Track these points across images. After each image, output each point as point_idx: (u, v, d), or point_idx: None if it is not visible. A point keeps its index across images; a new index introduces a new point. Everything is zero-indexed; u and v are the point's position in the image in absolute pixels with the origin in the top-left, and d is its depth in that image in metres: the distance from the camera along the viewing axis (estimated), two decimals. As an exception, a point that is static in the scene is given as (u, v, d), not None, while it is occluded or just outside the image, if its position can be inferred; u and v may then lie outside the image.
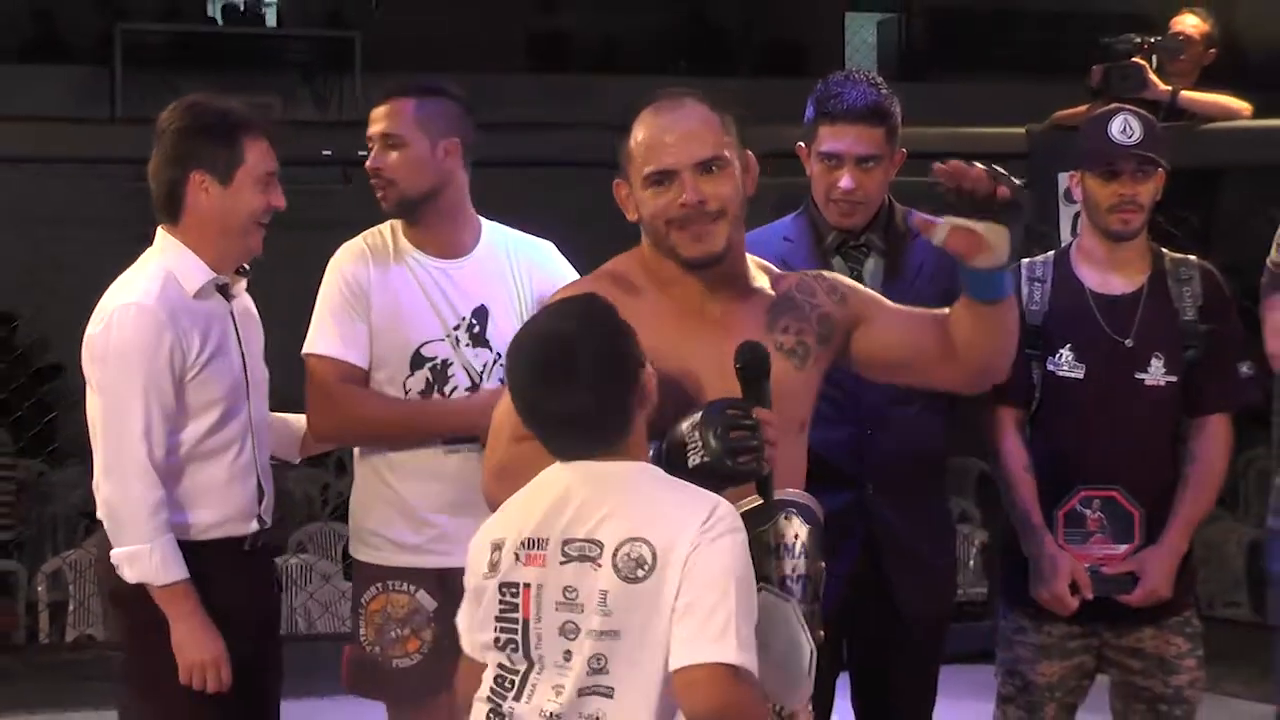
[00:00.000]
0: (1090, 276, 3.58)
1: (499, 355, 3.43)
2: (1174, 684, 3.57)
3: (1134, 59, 5.93)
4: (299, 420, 3.60)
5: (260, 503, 3.38)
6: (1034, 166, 5.97)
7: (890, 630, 3.50)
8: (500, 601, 2.45)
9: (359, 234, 3.59)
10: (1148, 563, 3.50)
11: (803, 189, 3.56)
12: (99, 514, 3.31)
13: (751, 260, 2.82)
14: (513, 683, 2.44)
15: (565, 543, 2.41)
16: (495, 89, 12.09)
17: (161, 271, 3.29)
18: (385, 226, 3.56)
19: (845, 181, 3.42)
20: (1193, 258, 3.66)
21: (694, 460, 2.49)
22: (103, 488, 3.26)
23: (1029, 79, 12.40)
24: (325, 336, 3.49)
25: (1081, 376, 3.53)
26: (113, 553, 3.23)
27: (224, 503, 3.32)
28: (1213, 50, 6.23)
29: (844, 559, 3.27)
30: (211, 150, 3.30)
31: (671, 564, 2.36)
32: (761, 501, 2.58)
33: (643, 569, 2.37)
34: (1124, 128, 3.50)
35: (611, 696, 2.38)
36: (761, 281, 2.81)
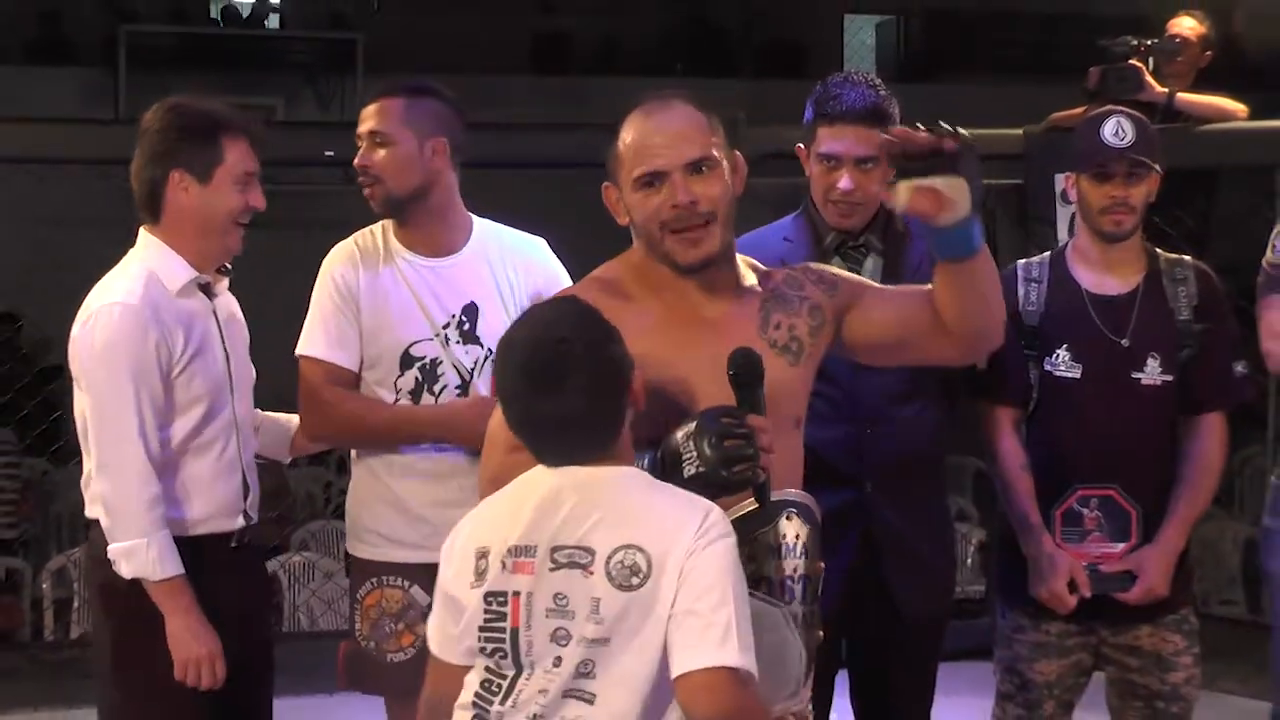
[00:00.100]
0: (1086, 277, 3.59)
1: (490, 352, 3.44)
2: (1171, 681, 3.58)
3: (1131, 61, 5.93)
4: (290, 420, 3.63)
5: (246, 499, 3.40)
6: (1031, 168, 5.99)
7: (889, 629, 3.51)
8: (486, 611, 2.42)
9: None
10: (1145, 561, 3.51)
11: (802, 189, 3.58)
12: (89, 512, 3.32)
13: (740, 259, 2.81)
14: (500, 686, 2.43)
15: (554, 549, 2.39)
16: (496, 90, 12.13)
17: (144, 271, 3.31)
18: (377, 226, 3.58)
19: (844, 182, 3.43)
20: (1187, 258, 3.68)
21: (689, 470, 2.49)
22: (98, 484, 3.27)
23: (1026, 81, 12.38)
24: (315, 338, 3.52)
25: (1078, 376, 3.54)
26: (110, 548, 3.24)
27: (209, 499, 3.33)
28: (1209, 52, 6.23)
29: (842, 557, 3.28)
30: (190, 149, 3.31)
31: (667, 571, 2.35)
32: (758, 505, 2.58)
33: (637, 576, 2.35)
34: (1116, 130, 3.52)
35: (593, 703, 2.38)
36: (751, 280, 2.80)
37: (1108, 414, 3.52)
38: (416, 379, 3.49)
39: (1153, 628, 3.58)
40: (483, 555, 2.44)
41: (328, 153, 5.94)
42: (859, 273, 3.42)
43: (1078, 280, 3.60)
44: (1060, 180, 4.84)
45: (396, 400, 3.50)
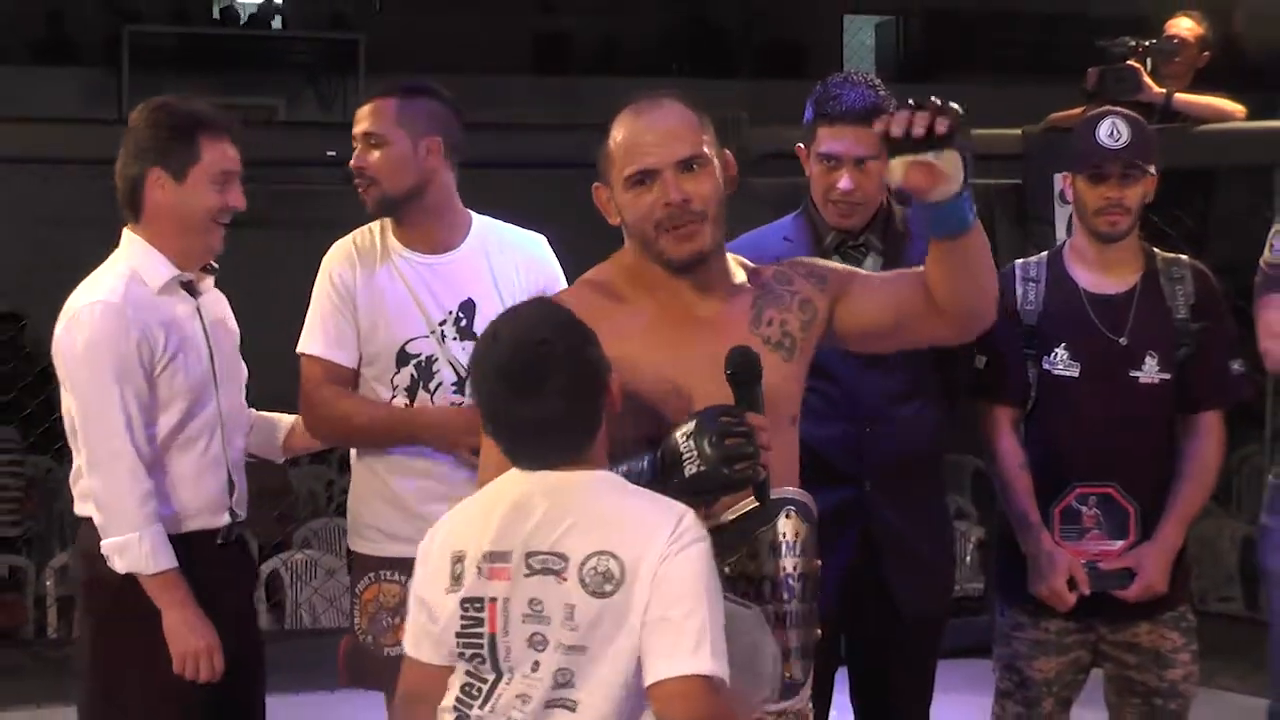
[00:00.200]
0: (1083, 276, 3.60)
1: None
2: (1169, 678, 3.59)
3: (1129, 62, 5.93)
4: (284, 420, 3.64)
5: (231, 495, 3.40)
6: (1030, 168, 6.00)
7: (889, 628, 3.52)
8: (463, 616, 2.42)
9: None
10: (1143, 558, 3.52)
11: (802, 189, 3.59)
12: (78, 509, 3.32)
13: (729, 257, 2.81)
14: (480, 690, 2.42)
15: (529, 555, 2.39)
16: (496, 90, 12.15)
17: (126, 270, 3.32)
18: (376, 225, 3.59)
19: (844, 182, 3.44)
20: (1184, 257, 3.68)
21: (690, 470, 2.48)
22: (89, 481, 3.28)
23: (1025, 81, 12.39)
24: (314, 337, 3.54)
25: (1076, 375, 3.55)
26: (103, 543, 3.24)
27: (194, 495, 3.34)
28: (1207, 53, 6.25)
29: (842, 556, 3.29)
30: (168, 148, 3.32)
31: (640, 577, 2.34)
32: (757, 504, 2.58)
33: (610, 583, 2.35)
34: (1111, 131, 3.52)
35: (575, 710, 2.37)
36: (741, 278, 2.79)
37: (1105, 412, 3.53)
38: (412, 376, 3.50)
39: (1151, 625, 3.58)
40: (459, 559, 2.44)
41: (329, 153, 5.96)
42: (858, 272, 3.45)
43: (1075, 279, 3.60)
44: (1059, 180, 4.85)
45: (394, 397, 3.51)
